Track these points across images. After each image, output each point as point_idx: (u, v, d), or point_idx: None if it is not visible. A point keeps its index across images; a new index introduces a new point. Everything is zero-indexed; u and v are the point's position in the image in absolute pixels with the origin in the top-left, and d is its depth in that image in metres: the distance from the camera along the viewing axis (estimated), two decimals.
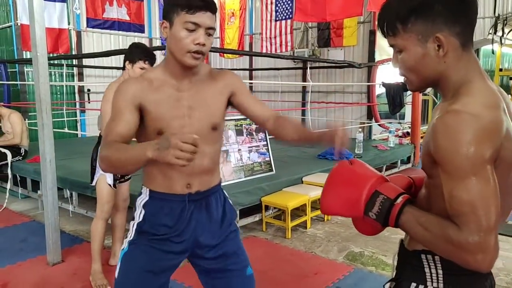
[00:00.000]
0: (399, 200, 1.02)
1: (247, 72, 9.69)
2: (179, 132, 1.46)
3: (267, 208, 4.11)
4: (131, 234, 1.60)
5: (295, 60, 8.38)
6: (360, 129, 6.09)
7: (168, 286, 1.66)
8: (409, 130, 7.67)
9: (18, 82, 7.07)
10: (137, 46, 3.03)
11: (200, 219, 1.59)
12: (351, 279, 3.11)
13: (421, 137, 7.40)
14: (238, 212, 3.94)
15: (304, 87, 8.69)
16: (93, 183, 3.10)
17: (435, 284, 1.05)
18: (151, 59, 2.98)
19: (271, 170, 4.50)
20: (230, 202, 1.75)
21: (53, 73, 7.65)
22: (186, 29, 1.41)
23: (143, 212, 1.58)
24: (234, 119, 4.35)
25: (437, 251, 1.00)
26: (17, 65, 7.15)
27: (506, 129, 0.94)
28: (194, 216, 1.58)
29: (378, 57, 7.57)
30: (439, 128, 0.93)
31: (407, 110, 9.02)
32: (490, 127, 0.91)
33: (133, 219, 1.62)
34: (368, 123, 7.62)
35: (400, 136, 7.37)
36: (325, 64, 7.72)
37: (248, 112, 1.68)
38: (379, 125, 7.94)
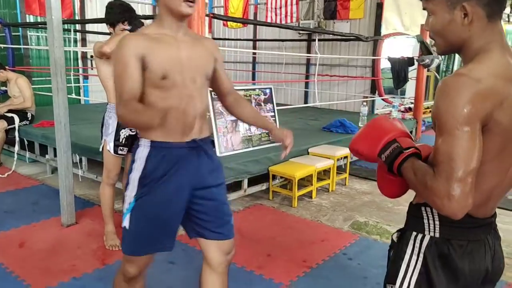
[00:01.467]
0: (409, 150, 1.15)
1: (251, 42, 9.61)
2: (181, 78, 1.62)
3: (274, 177, 4.19)
4: (134, 189, 1.66)
5: (300, 32, 8.31)
6: (364, 103, 6.12)
7: (176, 235, 1.77)
8: (411, 106, 7.72)
9: (23, 46, 7.00)
10: (111, 7, 2.95)
11: (199, 163, 1.70)
12: (357, 247, 3.23)
13: (423, 113, 7.47)
14: (246, 180, 4.03)
15: (308, 60, 8.66)
16: (100, 149, 3.15)
17: (432, 233, 1.16)
18: (130, 18, 2.95)
19: None
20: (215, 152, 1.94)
21: None
22: None
23: (143, 164, 1.64)
24: (244, 89, 4.37)
25: (417, 193, 1.13)
26: (20, 29, 7.06)
27: (505, 98, 1.02)
28: (193, 160, 1.68)
29: (384, 31, 7.52)
30: (440, 88, 1.03)
31: (408, 86, 9.03)
32: (485, 92, 0.99)
33: (130, 171, 1.68)
34: (371, 97, 7.65)
35: (402, 111, 7.43)
36: (331, 37, 7.68)
37: (218, 81, 1.85)
38: (382, 99, 7.97)
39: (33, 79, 7.00)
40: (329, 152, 4.50)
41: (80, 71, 8.26)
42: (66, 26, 7.55)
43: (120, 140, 3.04)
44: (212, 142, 1.78)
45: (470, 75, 1.01)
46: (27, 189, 4.40)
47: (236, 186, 4.03)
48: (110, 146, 3.04)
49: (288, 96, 9.19)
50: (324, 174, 4.62)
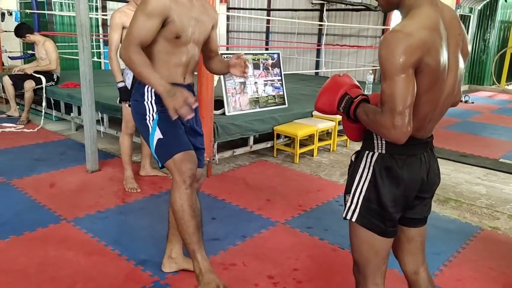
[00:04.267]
0: (357, 98, 1.48)
1: (265, 12, 9.81)
2: (189, 39, 2.00)
3: (278, 136, 4.54)
4: (153, 108, 2.02)
5: (313, 2, 8.49)
6: (371, 71, 6.36)
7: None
8: None
9: (47, 12, 7.36)
10: None
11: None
12: None
13: None
14: (252, 138, 4.39)
15: (320, 30, 8.85)
16: (118, 102, 3.53)
17: (379, 150, 1.48)
18: None
19: (284, 104, 4.88)
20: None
21: None
22: None
23: (152, 92, 2.01)
24: (252, 53, 4.67)
25: (371, 129, 1.44)
26: None
27: (432, 44, 1.30)
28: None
29: None
30: (382, 42, 1.32)
31: None
32: (416, 43, 1.27)
33: (141, 97, 2.03)
34: (378, 67, 7.85)
35: None
36: (342, 7, 7.84)
37: (210, 44, 2.23)
38: None
39: (57, 44, 7.38)
40: (332, 115, 4.80)
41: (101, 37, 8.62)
42: None
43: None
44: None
45: (403, 31, 1.29)
46: (54, 142, 4.85)
47: (243, 142, 4.40)
48: (126, 104, 3.42)
49: (300, 65, 9.43)
50: (326, 135, 4.95)
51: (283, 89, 4.89)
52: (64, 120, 5.63)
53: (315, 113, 4.91)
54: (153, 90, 2.00)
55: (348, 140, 5.10)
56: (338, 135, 4.90)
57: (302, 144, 4.52)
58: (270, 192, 3.61)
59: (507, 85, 11.72)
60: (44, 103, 5.43)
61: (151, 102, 2.02)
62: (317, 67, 9.06)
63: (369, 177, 1.50)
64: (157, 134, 2.00)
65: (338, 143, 4.98)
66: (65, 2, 7.79)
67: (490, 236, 2.99)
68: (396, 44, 1.27)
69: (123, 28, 3.24)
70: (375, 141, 1.50)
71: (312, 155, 4.60)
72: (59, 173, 3.83)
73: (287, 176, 4.04)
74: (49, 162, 4.12)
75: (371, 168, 1.49)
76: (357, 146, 5.18)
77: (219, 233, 2.85)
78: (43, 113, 5.40)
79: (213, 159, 3.95)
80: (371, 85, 6.28)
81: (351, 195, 1.53)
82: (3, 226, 2.82)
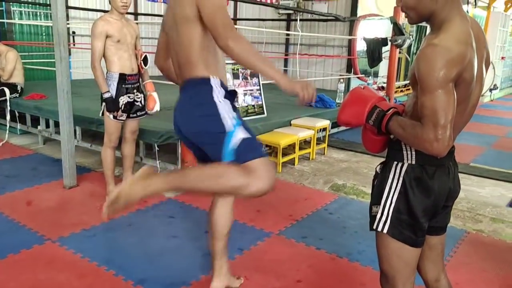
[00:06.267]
0: (390, 111, 1.47)
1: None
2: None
3: None
4: (231, 110, 1.77)
5: (280, 12, 8.59)
6: (341, 80, 6.49)
7: None
8: (384, 85, 8.15)
9: (6, 21, 7.01)
10: None
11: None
12: (336, 204, 3.61)
13: (395, 92, 7.90)
14: None
15: (287, 40, 8.95)
16: (100, 115, 3.38)
17: (409, 161, 1.48)
18: None
19: (263, 113, 4.87)
20: None
21: (38, 13, 7.60)
22: None
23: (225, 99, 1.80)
24: (231, 63, 4.64)
25: (408, 143, 1.44)
26: (4, 3, 7.06)
27: (469, 59, 1.32)
28: None
29: (360, 12, 7.88)
30: (420, 56, 1.33)
31: (381, 68, 9.46)
32: (456, 58, 1.29)
33: (211, 92, 1.77)
34: (347, 75, 8.03)
35: (376, 90, 7.84)
36: (309, 17, 7.98)
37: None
38: (357, 77, 8.37)
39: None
40: (310, 124, 4.85)
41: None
42: (47, 1, 7.58)
43: (120, 106, 3.29)
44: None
45: (442, 45, 1.30)
46: (23, 157, 4.59)
47: None
48: (110, 114, 3.29)
49: None
50: (305, 144, 4.98)
51: (261, 99, 4.89)
52: (30, 134, 5.34)
53: (294, 122, 4.93)
54: (224, 96, 1.79)
55: (326, 148, 5.16)
56: (316, 143, 4.94)
57: (283, 153, 4.52)
58: (259, 202, 3.56)
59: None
60: (8, 116, 5.14)
61: (226, 110, 1.77)
62: None
63: (399, 187, 1.49)
64: (240, 135, 1.73)
65: (316, 151, 5.02)
66: (25, 11, 7.46)
67: (476, 239, 3.09)
68: (436, 58, 1.27)
69: (107, 36, 3.13)
70: (405, 152, 1.49)
71: (293, 164, 4.61)
72: (34, 190, 3.62)
73: None
74: (21, 178, 3.89)
75: (401, 178, 1.49)
76: (336, 154, 5.30)
77: None
78: (7, 127, 5.10)
79: None
80: (342, 93, 6.40)
81: (381, 206, 1.52)
82: None
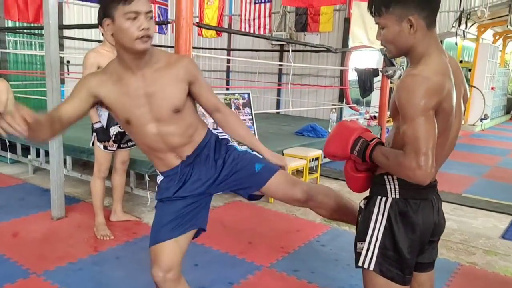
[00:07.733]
0: (373, 141, 1.49)
1: (225, 52, 9.95)
2: (142, 120, 1.74)
3: None
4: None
5: (273, 43, 8.73)
6: (334, 109, 6.54)
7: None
8: (376, 114, 8.23)
9: (1, 50, 7.06)
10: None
11: (200, 169, 1.89)
12: (328, 236, 3.57)
13: (387, 121, 7.98)
14: None
15: (280, 70, 9.07)
16: (91, 145, 3.37)
17: (393, 195, 1.48)
18: None
19: None
20: (223, 135, 2.00)
21: (33, 43, 7.67)
22: (128, 19, 1.59)
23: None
24: (224, 93, 4.67)
25: (391, 172, 1.44)
26: None
27: (447, 90, 1.34)
28: (195, 171, 1.89)
29: (351, 43, 8.00)
30: (401, 86, 1.35)
31: (373, 97, 9.58)
32: (435, 87, 1.31)
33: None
34: (339, 105, 8.11)
35: (368, 119, 7.91)
36: (301, 48, 8.11)
37: (200, 100, 1.88)
38: (350, 107, 8.45)
39: (10, 83, 7.06)
40: (302, 153, 4.85)
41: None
42: (42, 32, 7.67)
43: (111, 136, 3.28)
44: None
45: (422, 75, 1.32)
46: (12, 187, 4.52)
47: None
48: (100, 144, 3.27)
49: (261, 104, 9.56)
50: (297, 173, 4.96)
51: (254, 129, 4.90)
52: (20, 163, 5.29)
53: (286, 151, 4.93)
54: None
55: (319, 177, 5.14)
56: (309, 173, 4.92)
57: None
58: (250, 234, 3.52)
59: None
60: None
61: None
62: (277, 105, 9.22)
63: (383, 223, 1.48)
64: None
65: (309, 181, 4.99)
66: (20, 41, 7.52)
67: (470, 272, 3.05)
68: (416, 86, 1.30)
69: (98, 67, 3.14)
70: (388, 186, 1.49)
71: None
72: (21, 221, 3.55)
73: (264, 216, 3.98)
74: (9, 209, 3.82)
75: (386, 213, 1.48)
76: (329, 184, 5.28)
77: (204, 281, 2.72)
78: None
79: None
80: (334, 123, 6.44)
81: (366, 243, 1.50)
82: None
